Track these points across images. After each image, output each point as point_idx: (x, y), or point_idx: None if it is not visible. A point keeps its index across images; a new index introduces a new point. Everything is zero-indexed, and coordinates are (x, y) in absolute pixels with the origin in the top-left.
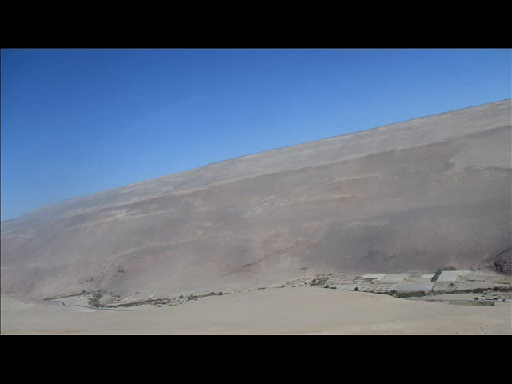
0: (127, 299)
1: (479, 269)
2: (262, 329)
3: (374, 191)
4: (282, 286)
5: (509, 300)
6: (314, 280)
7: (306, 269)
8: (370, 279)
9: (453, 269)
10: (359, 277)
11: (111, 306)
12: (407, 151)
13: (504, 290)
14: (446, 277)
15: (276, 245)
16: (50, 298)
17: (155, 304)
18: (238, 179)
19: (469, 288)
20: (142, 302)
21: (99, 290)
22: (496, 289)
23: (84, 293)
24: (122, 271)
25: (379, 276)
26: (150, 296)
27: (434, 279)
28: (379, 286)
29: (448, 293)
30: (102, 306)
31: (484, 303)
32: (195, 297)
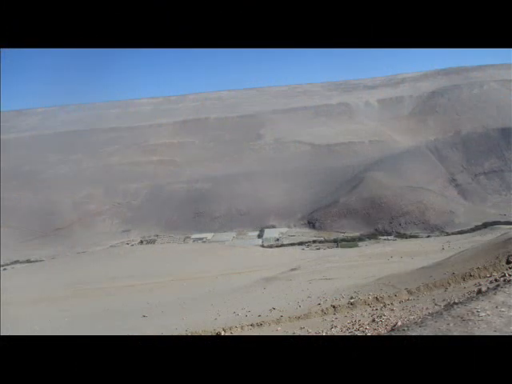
0: None
1: (295, 226)
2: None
3: (193, 156)
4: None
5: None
6: (142, 242)
7: (128, 231)
8: (200, 238)
9: (273, 227)
10: (188, 237)
11: None
12: (221, 120)
13: (320, 242)
14: (270, 233)
15: (90, 207)
16: None
17: None
18: (30, 134)
19: (293, 242)
20: None
21: None
22: (314, 241)
23: None
24: None
25: (208, 235)
26: None
27: (259, 236)
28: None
29: (277, 246)
30: None
31: None
32: None
